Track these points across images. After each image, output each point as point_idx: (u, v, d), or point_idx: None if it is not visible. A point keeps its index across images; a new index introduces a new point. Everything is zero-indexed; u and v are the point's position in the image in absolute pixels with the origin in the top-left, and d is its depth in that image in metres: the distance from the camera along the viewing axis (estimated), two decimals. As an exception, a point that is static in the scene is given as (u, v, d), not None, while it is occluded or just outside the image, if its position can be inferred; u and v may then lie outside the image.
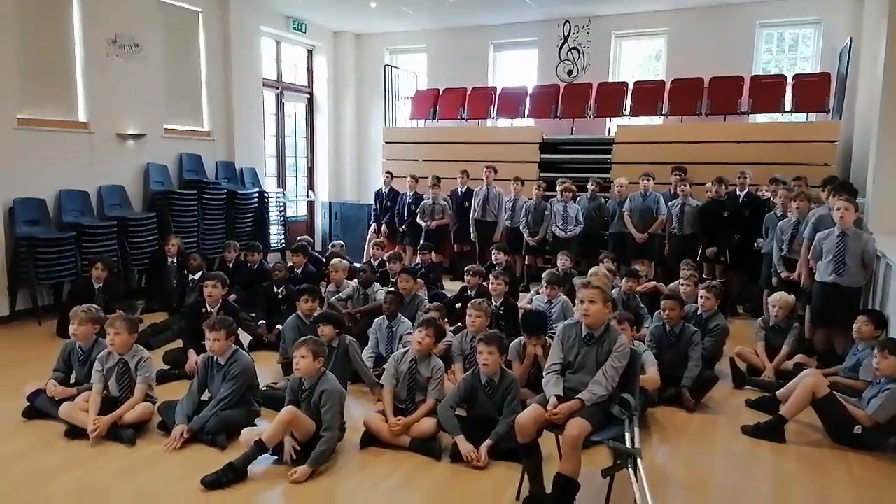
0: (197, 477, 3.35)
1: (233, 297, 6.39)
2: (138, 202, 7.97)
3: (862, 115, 8.03)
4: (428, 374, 3.92)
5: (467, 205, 8.95)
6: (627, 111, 9.44)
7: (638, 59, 10.52)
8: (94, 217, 7.24)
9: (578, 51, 10.20)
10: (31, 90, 6.85)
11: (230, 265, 7.45)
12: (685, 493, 3.48)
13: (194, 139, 8.84)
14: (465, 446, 3.59)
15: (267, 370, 5.06)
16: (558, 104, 9.84)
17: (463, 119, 10.43)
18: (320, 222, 11.71)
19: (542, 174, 9.34)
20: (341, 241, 8.50)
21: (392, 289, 5.80)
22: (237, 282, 6.97)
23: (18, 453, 3.75)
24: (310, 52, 11.58)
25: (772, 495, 3.48)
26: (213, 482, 3.29)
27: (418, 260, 7.88)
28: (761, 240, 6.93)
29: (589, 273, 6.09)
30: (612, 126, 9.89)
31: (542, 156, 9.56)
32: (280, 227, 9.78)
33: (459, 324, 5.71)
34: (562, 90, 9.95)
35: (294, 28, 10.60)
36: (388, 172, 9.76)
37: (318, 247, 10.82)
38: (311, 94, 11.65)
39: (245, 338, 5.65)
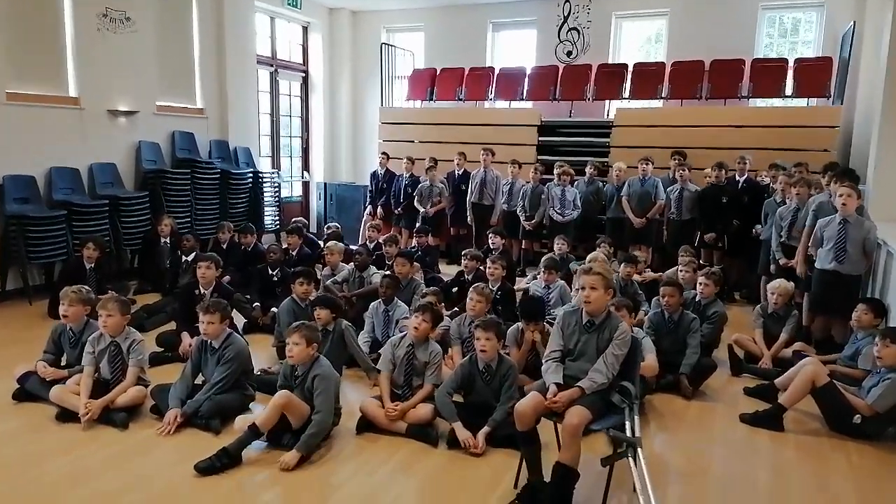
0: (190, 462, 3.30)
1: (227, 278, 6.35)
2: (130, 181, 7.84)
3: (863, 101, 7.95)
4: (425, 360, 3.87)
5: (464, 188, 8.87)
6: (627, 94, 9.34)
7: (638, 41, 10.39)
8: (85, 195, 7.12)
9: (578, 31, 10.05)
10: (20, 64, 6.68)
11: (224, 246, 7.35)
12: (684, 480, 3.46)
13: (187, 117, 8.69)
14: (462, 433, 3.56)
15: (262, 354, 5.01)
16: (557, 86, 9.73)
17: (460, 100, 10.31)
18: (315, 204, 11.60)
19: (539, 157, 9.23)
20: (337, 224, 8.40)
21: (388, 272, 5.73)
22: (231, 263, 6.90)
23: (8, 436, 3.69)
24: (305, 29, 11.38)
25: (770, 484, 3.46)
26: (207, 468, 3.25)
27: (414, 243, 7.82)
28: (760, 226, 6.89)
29: (587, 259, 6.04)
30: (611, 109, 9.79)
31: (540, 139, 9.46)
32: (274, 208, 9.67)
33: (456, 308, 5.67)
34: (561, 71, 9.83)
35: (289, 4, 10.41)
36: (384, 154, 9.65)
37: (313, 229, 10.72)
38: (306, 72, 11.47)
39: (239, 320, 5.58)
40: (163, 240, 7.08)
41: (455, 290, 6.19)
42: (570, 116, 9.75)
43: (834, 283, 5.04)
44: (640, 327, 4.85)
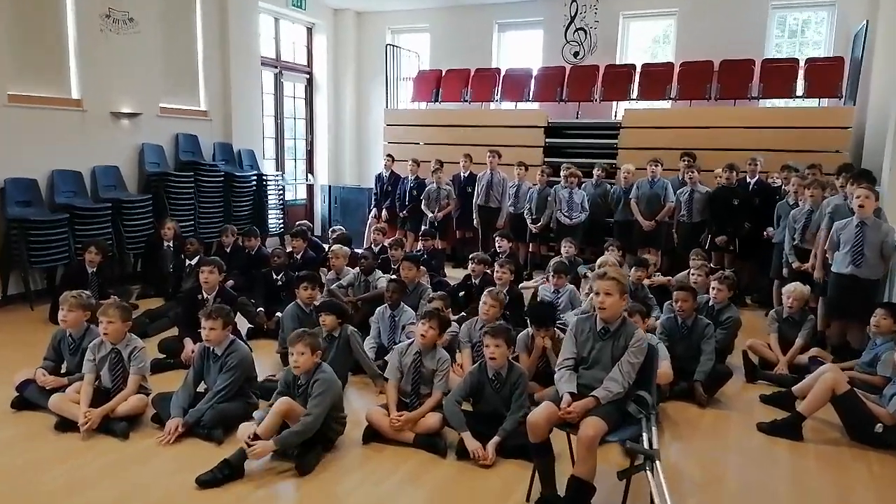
0: (191, 472, 3.21)
1: (230, 282, 6.26)
2: (133, 184, 7.76)
3: (876, 101, 7.83)
4: (433, 367, 3.77)
5: (470, 190, 8.77)
6: (635, 95, 9.23)
7: (646, 41, 10.28)
8: (87, 198, 7.04)
9: (585, 31, 9.94)
10: (22, 66, 6.61)
11: (228, 250, 7.27)
12: (701, 492, 3.34)
13: (191, 119, 8.61)
14: (471, 443, 3.45)
15: (265, 360, 4.91)
16: (564, 87, 9.62)
17: (466, 101, 10.21)
18: (319, 206, 11.52)
19: (546, 159, 9.13)
20: (342, 227, 8.30)
21: (394, 277, 5.63)
22: (235, 267, 6.81)
23: (5, 445, 3.60)
24: (309, 30, 11.31)
25: (790, 495, 3.35)
26: (209, 480, 3.14)
27: (420, 246, 7.72)
28: (771, 229, 6.77)
29: (597, 263, 5.93)
30: (619, 110, 9.68)
31: (547, 140, 9.35)
32: (279, 211, 9.58)
33: (463, 313, 5.57)
34: (567, 72, 9.72)
35: (294, 4, 10.34)
36: (388, 156, 9.55)
37: (318, 232, 10.64)
38: (310, 73, 11.40)
39: (243, 326, 5.49)
40: (166, 243, 7.00)
41: (462, 294, 6.10)
42: (577, 118, 9.64)
43: (851, 288, 4.91)
44: (652, 333, 4.74)
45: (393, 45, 10.91)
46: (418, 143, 10.07)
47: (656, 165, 7.67)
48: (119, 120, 7.59)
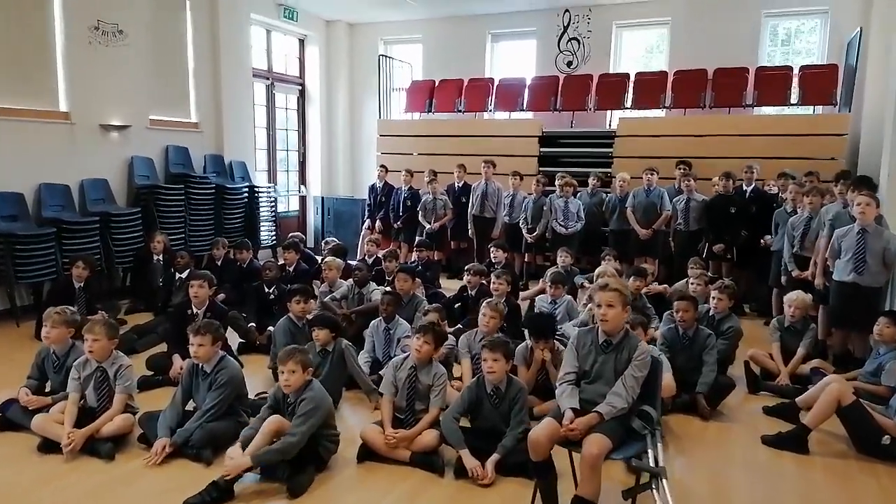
0: (179, 494, 3.08)
1: (221, 296, 6.14)
2: (122, 197, 7.65)
3: (871, 108, 7.80)
4: (429, 382, 3.65)
5: (464, 200, 8.69)
6: (629, 104, 9.19)
7: (639, 50, 10.27)
8: (75, 212, 6.92)
9: (578, 41, 9.93)
10: (8, 78, 6.51)
11: (219, 263, 7.16)
12: (707, 509, 3.24)
13: (181, 131, 8.51)
14: (470, 461, 3.33)
15: (257, 376, 4.78)
16: (558, 96, 9.58)
17: (459, 111, 10.15)
18: (312, 218, 11.41)
19: (541, 168, 9.07)
20: (335, 239, 8.19)
21: (389, 289, 5.53)
22: (226, 280, 6.70)
23: (-14, 469, 3.46)
24: (301, 42, 11.25)
25: (799, 511, 3.25)
26: (197, 503, 3.02)
27: (414, 257, 7.62)
28: (769, 236, 6.71)
29: (595, 273, 5.85)
30: (613, 119, 9.64)
31: (542, 149, 9.29)
32: (271, 223, 9.47)
33: (460, 325, 5.47)
34: (561, 82, 9.69)
35: (285, 16, 10.27)
36: (382, 166, 9.47)
37: (311, 243, 10.52)
38: (302, 85, 11.33)
39: (234, 340, 5.37)
40: (155, 257, 6.88)
41: (458, 306, 6.00)
42: (572, 127, 9.59)
43: (853, 296, 4.84)
44: (652, 343, 4.65)
45: (385, 56, 10.86)
46: (412, 154, 10.00)
47: (652, 174, 7.61)
48: (108, 132, 7.49)
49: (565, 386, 2.99)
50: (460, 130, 9.88)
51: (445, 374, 3.72)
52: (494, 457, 3.34)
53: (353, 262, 7.33)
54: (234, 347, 5.27)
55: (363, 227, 9.51)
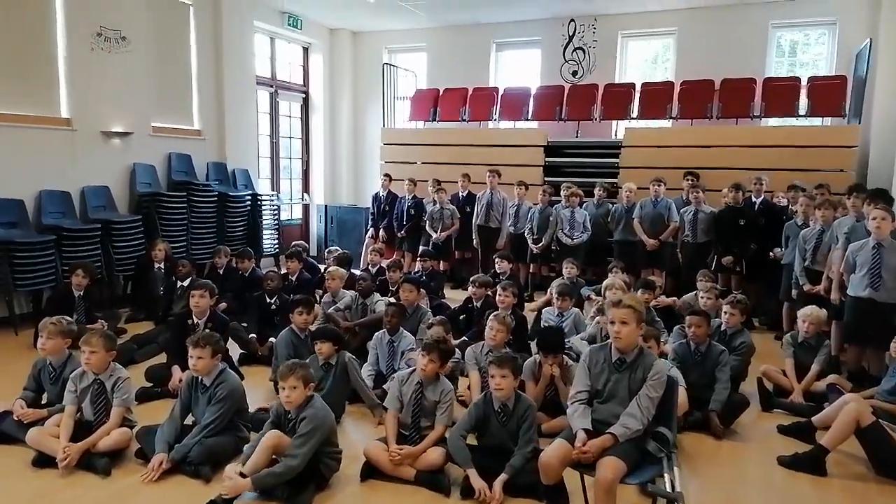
0: (176, 513, 2.98)
1: (223, 305, 6.08)
2: (124, 204, 7.57)
3: (880, 120, 7.74)
4: (435, 399, 3.54)
5: (469, 210, 8.60)
6: (635, 114, 9.11)
7: (645, 60, 10.21)
8: (76, 219, 6.84)
9: (584, 51, 9.87)
10: (10, 84, 6.45)
11: (221, 271, 7.07)
12: (723, 534, 3.12)
13: (184, 138, 8.45)
14: (477, 481, 3.21)
15: (258, 389, 4.68)
16: (563, 106, 9.51)
17: (464, 120, 10.09)
18: (315, 227, 11.33)
19: (546, 178, 8.99)
20: (338, 248, 8.09)
21: (393, 300, 5.43)
22: (228, 289, 6.61)
23: (-21, 485, 3.36)
24: (305, 50, 11.21)
25: (818, 537, 3.13)
26: (195, 524, 2.92)
27: (418, 267, 7.52)
28: (778, 249, 6.61)
29: (603, 285, 5.75)
30: (619, 129, 9.57)
31: (547, 159, 9.22)
32: (273, 231, 9.38)
33: (465, 338, 5.37)
34: (566, 91, 9.62)
35: (289, 24, 10.23)
36: (386, 175, 9.40)
37: (313, 252, 10.43)
38: (306, 93, 11.28)
39: (235, 351, 5.27)
40: (157, 265, 6.78)
41: (463, 317, 5.90)
42: (577, 137, 9.52)
43: (869, 312, 4.72)
44: (663, 357, 4.54)
45: (390, 65, 10.81)
46: (416, 163, 9.92)
47: (659, 185, 7.52)
48: (110, 139, 7.42)
49: (577, 405, 2.89)
50: (465, 139, 9.82)
51: (453, 390, 3.62)
52: (503, 477, 3.23)
53: (357, 272, 7.25)
54: (235, 358, 5.17)
55: (366, 236, 9.42)
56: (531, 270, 8.27)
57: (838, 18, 8.54)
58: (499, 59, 10.82)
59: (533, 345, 5.22)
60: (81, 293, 5.77)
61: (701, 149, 8.33)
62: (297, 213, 11.42)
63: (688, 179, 7.67)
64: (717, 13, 9.02)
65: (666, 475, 2.65)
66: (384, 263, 7.13)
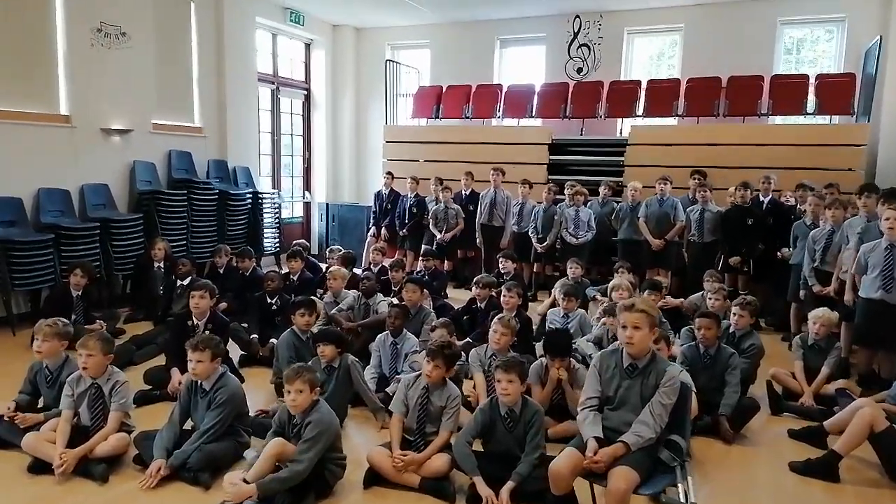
0: (175, 522, 2.90)
1: (223, 305, 5.99)
2: (123, 202, 7.49)
3: (890, 118, 7.63)
4: (441, 404, 3.46)
5: (472, 208, 8.52)
6: (640, 111, 9.01)
7: (651, 57, 10.10)
8: (74, 218, 6.76)
9: (589, 47, 9.76)
10: (8, 81, 6.36)
11: (221, 271, 6.99)
12: (736, 544, 3.04)
13: (184, 136, 8.36)
14: (484, 489, 3.13)
15: (258, 391, 4.61)
16: (567, 103, 9.41)
17: (467, 118, 9.99)
18: (317, 225, 11.24)
19: (550, 177, 8.89)
20: (340, 246, 7.99)
21: (396, 301, 5.34)
22: (228, 289, 6.54)
23: (-27, 491, 3.28)
24: (307, 46, 11.11)
25: (834, 547, 3.05)
26: (194, 533, 2.84)
27: (420, 266, 7.44)
28: (786, 249, 6.52)
29: (610, 286, 5.67)
30: (624, 127, 9.48)
31: (551, 157, 9.12)
32: (274, 229, 9.30)
33: (468, 339, 5.29)
34: (571, 89, 9.52)
35: (291, 20, 10.13)
36: (388, 173, 9.31)
37: (315, 251, 10.35)
38: (308, 90, 11.18)
39: (235, 353, 5.19)
40: (156, 264, 6.70)
41: (466, 318, 5.82)
42: (582, 134, 9.42)
43: (881, 314, 4.64)
44: (672, 360, 4.45)
45: (392, 61, 10.71)
46: (418, 161, 9.84)
47: (666, 183, 7.43)
48: (109, 136, 7.34)
49: (587, 412, 2.81)
50: (468, 137, 9.73)
51: (459, 396, 3.53)
52: (510, 484, 3.14)
53: (358, 271, 7.17)
54: (236, 360, 5.10)
55: (368, 235, 9.34)
56: (535, 270, 8.18)
57: (847, 15, 8.43)
58: (503, 55, 10.72)
59: (538, 347, 5.18)
60: (80, 293, 5.70)
61: (707, 147, 8.24)
62: (298, 212, 11.34)
63: (694, 178, 7.57)
64: (725, 9, 8.91)
65: (679, 485, 2.57)
66: (386, 263, 7.05)
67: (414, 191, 8.79)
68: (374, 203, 9.33)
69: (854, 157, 7.59)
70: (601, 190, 8.10)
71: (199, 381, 3.50)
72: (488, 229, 8.36)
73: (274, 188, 10.20)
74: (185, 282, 6.21)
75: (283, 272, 6.70)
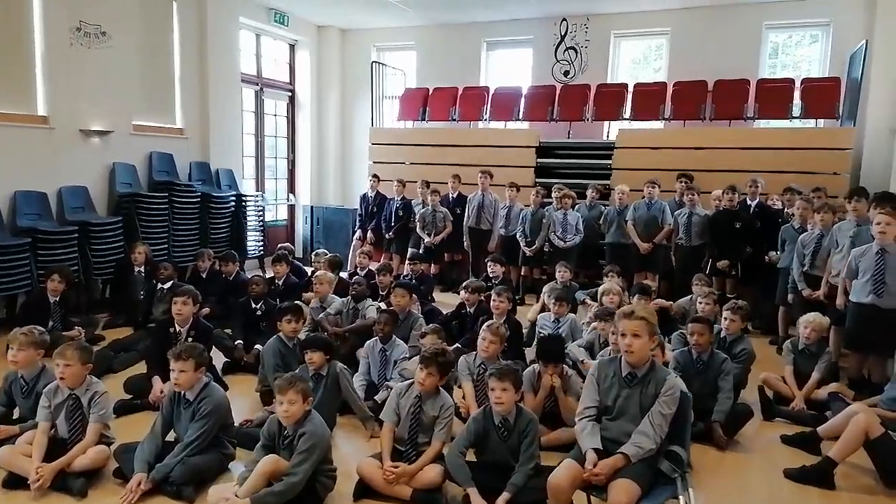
0: (157, 540, 2.79)
1: (205, 310, 5.84)
2: (103, 205, 7.32)
3: (874, 121, 7.68)
4: (434, 414, 3.36)
5: (459, 211, 8.44)
6: (627, 114, 9.00)
7: (638, 61, 10.11)
8: (52, 221, 6.59)
9: (576, 50, 9.75)
10: (-17, 80, 6.20)
11: (203, 275, 6.85)
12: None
13: (166, 137, 8.20)
14: (478, 501, 3.04)
15: (243, 399, 4.49)
16: (554, 106, 9.37)
17: (454, 120, 9.92)
18: (301, 228, 11.10)
19: (537, 180, 8.85)
20: (325, 250, 7.86)
21: (384, 306, 5.25)
22: (211, 293, 6.40)
23: (-57, 508, 3.14)
24: (292, 47, 10.98)
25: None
26: (178, 551, 2.72)
27: (407, 270, 7.34)
28: (774, 253, 6.52)
29: (600, 290, 5.62)
30: (611, 130, 9.47)
31: (539, 160, 9.08)
32: (258, 233, 9.15)
33: (458, 345, 5.20)
34: (558, 91, 9.49)
35: (276, 21, 10.00)
36: (374, 176, 9.21)
37: (299, 254, 10.21)
38: (292, 91, 11.05)
39: (219, 360, 5.05)
40: (137, 269, 6.54)
41: (455, 323, 5.74)
42: (569, 137, 9.39)
43: (872, 318, 4.62)
44: (665, 366, 4.40)
45: (378, 63, 10.61)
46: (404, 163, 9.75)
47: (653, 187, 7.42)
48: (89, 138, 7.17)
49: (585, 422, 2.74)
50: (455, 140, 9.66)
51: (453, 406, 3.44)
52: (505, 495, 3.04)
53: (344, 275, 7.06)
54: (219, 367, 4.96)
55: (354, 238, 9.23)
56: (522, 273, 8.12)
57: (832, 20, 8.49)
58: (489, 58, 10.67)
59: (528, 352, 5.11)
60: (57, 298, 5.53)
61: (694, 150, 8.25)
62: (283, 214, 11.19)
63: (681, 181, 7.57)
64: (711, 13, 8.93)
65: (681, 498, 2.51)
66: (373, 266, 6.95)
67: (400, 193, 8.70)
68: (360, 206, 9.23)
69: (840, 160, 7.64)
70: (588, 193, 8.08)
71: (183, 392, 3.38)
72: (476, 233, 8.29)
73: (257, 191, 10.05)
74: (167, 286, 6.06)
75: (267, 276, 6.57)
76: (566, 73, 9.82)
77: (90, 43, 7.09)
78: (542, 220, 7.79)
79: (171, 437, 3.46)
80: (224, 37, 8.91)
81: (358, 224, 9.24)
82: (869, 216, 4.88)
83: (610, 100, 9.12)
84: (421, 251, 8.15)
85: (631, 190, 7.69)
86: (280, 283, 6.53)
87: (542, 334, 5.03)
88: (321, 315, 5.57)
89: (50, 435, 3.41)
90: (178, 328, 4.53)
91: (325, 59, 11.14)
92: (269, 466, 2.95)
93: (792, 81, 8.34)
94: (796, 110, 8.14)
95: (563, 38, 9.79)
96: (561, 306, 5.30)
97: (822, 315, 4.82)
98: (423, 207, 8.44)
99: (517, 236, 7.93)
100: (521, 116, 9.60)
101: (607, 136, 9.47)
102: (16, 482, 3.28)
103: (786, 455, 3.97)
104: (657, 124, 9.05)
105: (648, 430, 2.59)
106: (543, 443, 3.68)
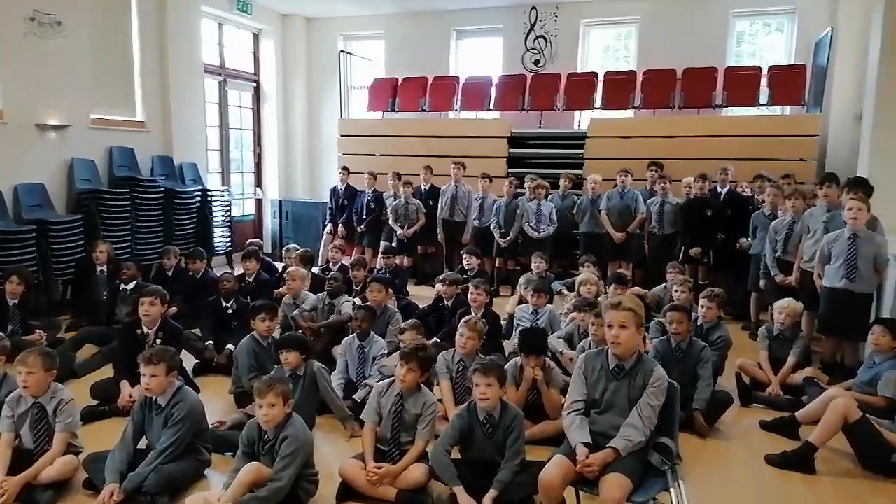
0: (132, 553, 2.66)
1: (173, 310, 5.63)
2: (61, 203, 7.04)
3: (839, 108, 7.81)
4: (416, 412, 3.29)
5: (432, 203, 8.35)
6: (598, 104, 9.00)
7: (606, 49, 10.11)
8: (8, 220, 6.32)
9: (545, 39, 9.71)
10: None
11: (169, 273, 6.60)
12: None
13: (126, 131, 7.92)
14: (465, 499, 2.97)
15: (215, 401, 4.34)
16: (525, 95, 9.32)
17: (424, 111, 9.80)
18: (269, 222, 10.87)
19: (510, 170, 8.80)
20: (296, 245, 7.69)
21: (361, 301, 5.14)
22: (178, 293, 6.15)
23: None
24: (255, 36, 10.71)
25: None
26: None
27: (380, 264, 7.23)
28: (745, 239, 6.59)
29: (578, 280, 5.60)
30: (582, 119, 9.46)
31: (511, 150, 9.03)
32: (225, 228, 8.93)
33: (436, 339, 5.13)
34: (529, 81, 9.44)
35: (238, 9, 9.72)
36: (344, 168, 9.05)
37: (268, 249, 10.00)
38: (257, 82, 10.79)
39: (189, 361, 4.89)
40: (99, 268, 6.28)
41: (433, 317, 5.66)
42: (540, 127, 9.36)
43: (845, 303, 4.69)
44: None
45: (346, 52, 10.41)
46: (374, 155, 9.61)
47: (626, 175, 7.44)
48: (45, 132, 6.88)
49: (573, 416, 2.70)
50: (426, 131, 9.54)
51: (435, 403, 3.36)
52: (492, 493, 2.99)
53: (316, 270, 6.91)
54: (190, 369, 4.80)
55: (324, 232, 9.07)
56: (497, 265, 8.08)
57: (798, 7, 8.61)
58: (459, 47, 10.56)
59: (507, 345, 5.06)
60: (16, 301, 5.30)
61: (664, 139, 8.29)
62: (250, 209, 10.94)
63: (652, 170, 7.60)
64: (679, 1, 8.96)
65: (672, 490, 2.48)
66: (345, 261, 6.82)
67: (372, 186, 8.58)
68: (331, 199, 9.06)
69: (806, 147, 7.76)
70: (561, 183, 8.06)
71: (154, 397, 3.24)
72: (450, 224, 8.22)
73: (223, 185, 9.81)
74: (130, 286, 5.84)
75: (237, 273, 6.39)
76: (536, 63, 9.78)
77: (45, 33, 6.78)
78: (516, 210, 7.75)
79: (142, 444, 3.31)
80: (185, 26, 8.63)
81: (329, 218, 9.08)
82: (840, 202, 4.94)
83: (580, 89, 9.11)
84: (394, 244, 8.04)
85: (603, 179, 7.69)
86: (251, 280, 6.36)
87: (521, 327, 4.99)
88: (295, 312, 5.43)
89: (14, 446, 3.25)
90: (145, 330, 4.35)
91: (291, 49, 10.90)
92: (251, 476, 2.84)
93: (759, 69, 8.44)
94: (763, 98, 8.24)
95: (532, 26, 9.74)
96: (539, 298, 5.26)
97: (796, 301, 4.87)
98: (396, 199, 8.32)
99: (491, 227, 7.88)
100: (491, 106, 9.54)
101: (578, 126, 9.46)
102: (-23, 497, 3.11)
103: (765, 441, 4.00)
104: (628, 113, 9.07)
105: (637, 422, 2.55)
106: (527, 437, 3.62)
